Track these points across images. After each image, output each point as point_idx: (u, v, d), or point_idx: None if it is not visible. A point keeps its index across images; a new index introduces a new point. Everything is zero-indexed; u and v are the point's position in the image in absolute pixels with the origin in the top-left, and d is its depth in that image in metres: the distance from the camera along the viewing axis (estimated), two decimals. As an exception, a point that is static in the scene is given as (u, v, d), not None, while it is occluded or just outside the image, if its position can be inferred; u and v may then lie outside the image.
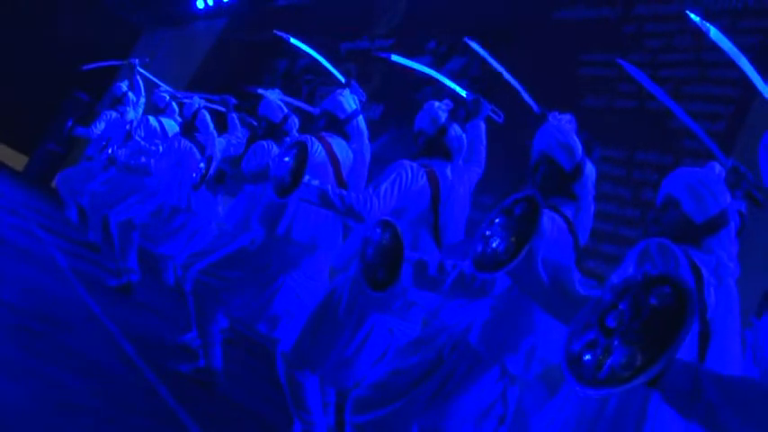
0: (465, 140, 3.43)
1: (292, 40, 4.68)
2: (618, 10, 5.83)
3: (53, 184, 13.01)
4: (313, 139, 3.69)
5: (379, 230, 2.58)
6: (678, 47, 5.24)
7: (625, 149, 5.00)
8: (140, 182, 6.20)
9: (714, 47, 4.97)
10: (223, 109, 5.71)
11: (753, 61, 4.71)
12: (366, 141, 3.88)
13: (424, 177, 3.19)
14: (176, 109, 6.85)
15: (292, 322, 3.51)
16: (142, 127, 6.75)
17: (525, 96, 3.30)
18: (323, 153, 3.69)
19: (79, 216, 8.12)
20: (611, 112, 5.37)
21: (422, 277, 2.52)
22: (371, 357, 3.21)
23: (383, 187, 3.10)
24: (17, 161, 13.47)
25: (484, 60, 6.95)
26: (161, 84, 7.17)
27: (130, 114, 7.86)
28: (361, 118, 3.89)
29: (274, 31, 4.33)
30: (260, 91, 4.81)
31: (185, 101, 6.27)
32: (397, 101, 7.59)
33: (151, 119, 6.82)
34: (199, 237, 5.51)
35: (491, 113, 3.61)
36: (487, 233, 2.08)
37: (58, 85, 12.51)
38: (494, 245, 2.03)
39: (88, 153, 7.95)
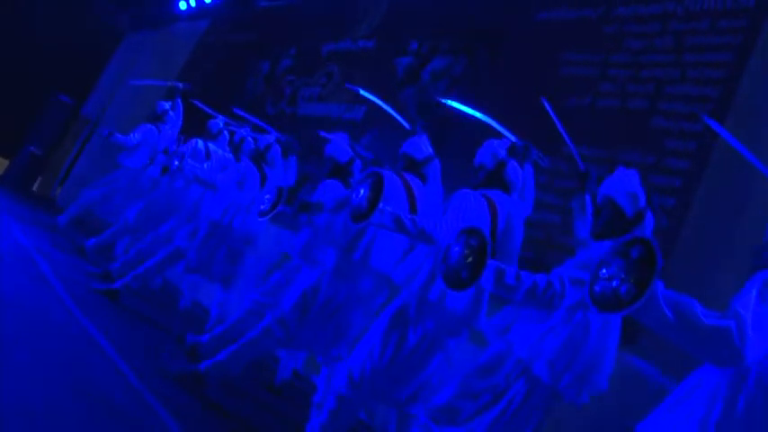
0: (520, 177, 3.68)
1: (362, 92, 4.82)
2: (599, 11, 5.86)
3: (35, 187, 12.94)
4: (392, 173, 4.01)
5: (465, 236, 2.84)
6: (659, 47, 5.27)
7: (607, 149, 5.03)
8: (176, 205, 6.51)
9: (694, 47, 5.03)
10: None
11: (732, 61, 4.77)
12: (440, 185, 4.17)
13: (485, 205, 3.46)
14: (227, 137, 7.10)
15: (360, 344, 3.60)
16: (190, 147, 6.96)
17: (574, 153, 3.56)
18: (401, 187, 3.99)
19: (68, 224, 8.08)
20: (594, 111, 5.40)
21: (499, 283, 2.77)
22: (425, 373, 3.47)
23: (450, 213, 3.43)
24: (-2, 165, 13.35)
25: (467, 61, 6.98)
26: (214, 113, 7.34)
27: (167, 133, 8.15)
28: (436, 162, 4.19)
29: (346, 84, 4.45)
30: (326, 135, 5.02)
31: (235, 128, 6.61)
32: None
33: (200, 142, 7.07)
34: (249, 266, 5.73)
35: (537, 158, 3.89)
36: (604, 273, 2.21)
37: (40, 88, 12.41)
38: (614, 286, 2.16)
39: (119, 160, 8.06)
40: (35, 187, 13.02)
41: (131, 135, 7.97)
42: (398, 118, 4.44)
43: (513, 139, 3.80)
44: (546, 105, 3.61)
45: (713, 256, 4.15)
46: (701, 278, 3.83)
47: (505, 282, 2.77)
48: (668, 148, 4.78)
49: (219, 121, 7.23)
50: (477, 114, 3.99)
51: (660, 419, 2.30)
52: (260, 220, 4.90)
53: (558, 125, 3.60)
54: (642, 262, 2.11)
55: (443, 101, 4.34)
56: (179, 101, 8.32)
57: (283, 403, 4.91)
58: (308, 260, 4.49)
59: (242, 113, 6.44)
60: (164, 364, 4.10)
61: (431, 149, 4.19)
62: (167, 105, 8.37)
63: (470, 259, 2.75)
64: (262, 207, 4.76)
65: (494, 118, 4.01)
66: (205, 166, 6.29)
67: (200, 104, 7.39)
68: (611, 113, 5.29)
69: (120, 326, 5.01)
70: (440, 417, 2.88)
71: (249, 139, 6.33)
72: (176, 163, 6.27)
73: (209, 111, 7.31)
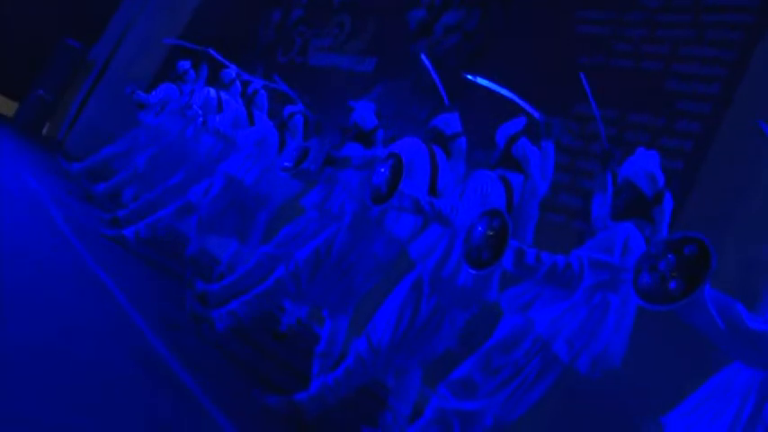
0: (531, 155, 3.66)
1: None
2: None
3: (44, 131, 12.94)
4: (420, 142, 4.05)
5: (488, 217, 2.90)
6: (676, 7, 5.18)
7: (618, 109, 4.99)
8: (186, 155, 6.60)
9: (712, 7, 4.94)
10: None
11: (752, 23, 4.69)
12: (463, 162, 4.18)
13: (501, 186, 3.54)
14: (240, 88, 7.06)
15: (380, 313, 3.68)
16: (202, 96, 6.98)
17: (601, 130, 3.56)
18: (426, 158, 4.01)
19: (81, 172, 8.11)
20: (606, 70, 5.34)
21: (520, 263, 2.85)
22: (431, 341, 3.61)
23: (467, 195, 3.52)
24: (8, 107, 13.33)
25: (481, 16, 6.88)
26: (230, 65, 7.31)
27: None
28: (463, 139, 4.19)
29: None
30: (353, 103, 5.04)
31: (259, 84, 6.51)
32: (390, 53, 7.52)
33: (212, 91, 7.07)
34: (256, 219, 5.81)
35: (559, 136, 3.95)
36: (651, 266, 2.23)
37: (49, 32, 12.30)
38: (663, 280, 2.19)
39: (139, 118, 8.07)
40: (44, 131, 13.02)
41: (153, 93, 7.98)
42: (442, 93, 4.40)
43: (535, 114, 3.78)
44: (582, 79, 3.54)
45: (722, 220, 4.15)
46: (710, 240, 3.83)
47: (526, 262, 2.84)
48: (680, 111, 4.74)
49: (232, 70, 7.18)
50: (503, 91, 3.95)
51: (687, 415, 2.33)
52: (281, 175, 4.94)
53: (592, 102, 3.56)
54: (695, 261, 2.13)
55: (470, 77, 4.30)
56: (205, 67, 8.19)
57: (285, 350, 5.01)
58: (324, 214, 4.57)
59: (278, 81, 6.37)
60: (192, 313, 4.31)
61: (460, 127, 4.22)
62: (188, 65, 8.31)
63: (492, 240, 2.81)
64: (285, 164, 4.79)
65: (507, 81, 3.97)
66: (217, 117, 6.30)
67: (213, 53, 7.33)
68: (624, 73, 5.24)
69: (127, 270, 5.07)
70: (458, 390, 2.95)
71: (262, 91, 6.33)
72: (201, 120, 6.30)
73: (223, 60, 7.25)
